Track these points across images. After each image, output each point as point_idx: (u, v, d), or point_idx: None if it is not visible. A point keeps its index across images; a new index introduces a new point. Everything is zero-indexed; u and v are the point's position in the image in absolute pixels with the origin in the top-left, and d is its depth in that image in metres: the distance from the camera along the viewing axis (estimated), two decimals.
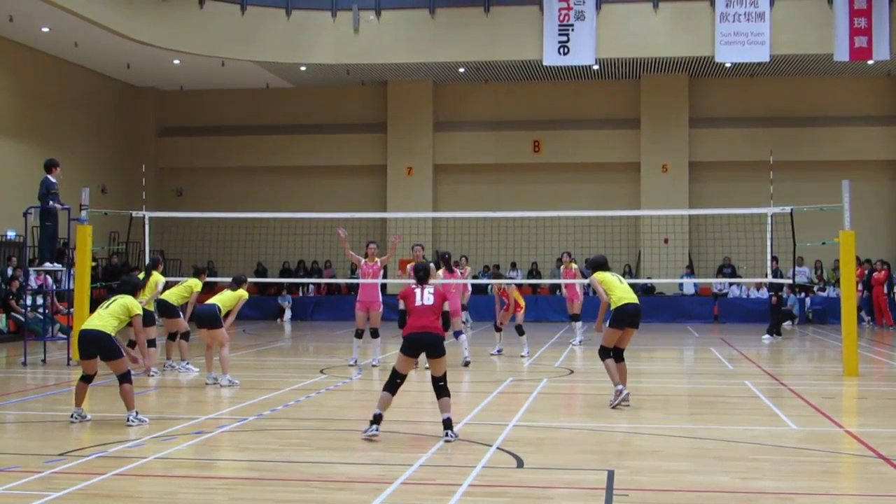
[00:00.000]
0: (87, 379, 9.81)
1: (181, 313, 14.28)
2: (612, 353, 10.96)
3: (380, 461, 8.09)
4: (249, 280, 14.40)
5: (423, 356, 8.97)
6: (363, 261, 15.24)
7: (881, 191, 28.71)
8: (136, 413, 9.53)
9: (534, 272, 28.35)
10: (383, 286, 17.72)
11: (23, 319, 18.75)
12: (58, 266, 16.71)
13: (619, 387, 10.77)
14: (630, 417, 10.37)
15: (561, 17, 25.32)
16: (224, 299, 12.86)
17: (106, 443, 8.57)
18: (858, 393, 12.59)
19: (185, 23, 25.68)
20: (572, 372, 14.70)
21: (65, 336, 17.04)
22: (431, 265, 14.38)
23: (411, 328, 8.86)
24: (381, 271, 15.34)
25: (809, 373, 15.86)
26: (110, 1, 23.35)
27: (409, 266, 15.07)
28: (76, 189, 16.52)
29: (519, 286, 18.40)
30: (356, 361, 15.04)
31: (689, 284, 28.13)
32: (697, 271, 28.26)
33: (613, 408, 10.71)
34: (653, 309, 27.39)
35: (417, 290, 9.07)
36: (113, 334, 9.59)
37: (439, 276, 15.24)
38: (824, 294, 27.14)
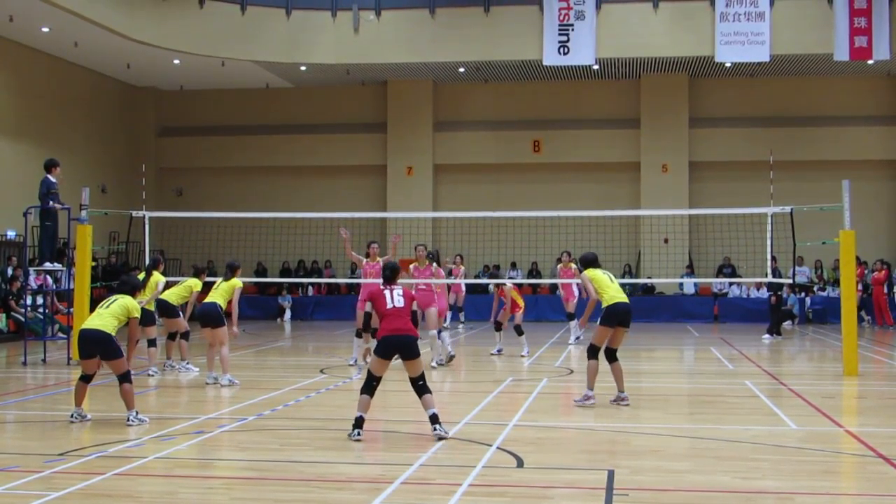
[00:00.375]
0: (86, 379, 9.82)
1: (181, 313, 14.27)
2: (599, 354, 10.98)
3: (380, 461, 8.09)
4: (249, 280, 14.39)
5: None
6: (365, 261, 15.24)
7: (881, 190, 28.71)
8: (136, 413, 9.53)
9: (534, 272, 28.35)
10: None
11: (23, 319, 18.75)
12: (58, 266, 16.71)
13: (591, 392, 10.86)
14: (630, 417, 10.37)
15: (561, 17, 25.31)
16: (220, 293, 12.73)
17: (106, 442, 8.57)
18: (858, 392, 12.59)
19: (185, 23, 25.68)
20: (572, 372, 14.69)
21: (65, 336, 17.05)
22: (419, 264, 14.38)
23: (385, 331, 8.81)
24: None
25: (809, 372, 15.86)
26: (110, 1, 23.34)
27: (411, 266, 15.11)
28: (76, 189, 16.53)
29: (519, 286, 18.39)
30: (356, 361, 15.04)
31: (689, 284, 28.14)
32: (697, 271, 28.27)
33: (577, 405, 10.84)
34: (653, 309, 27.45)
35: (387, 292, 9.01)
36: (113, 334, 9.59)
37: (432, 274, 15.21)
38: (824, 294, 27.14)
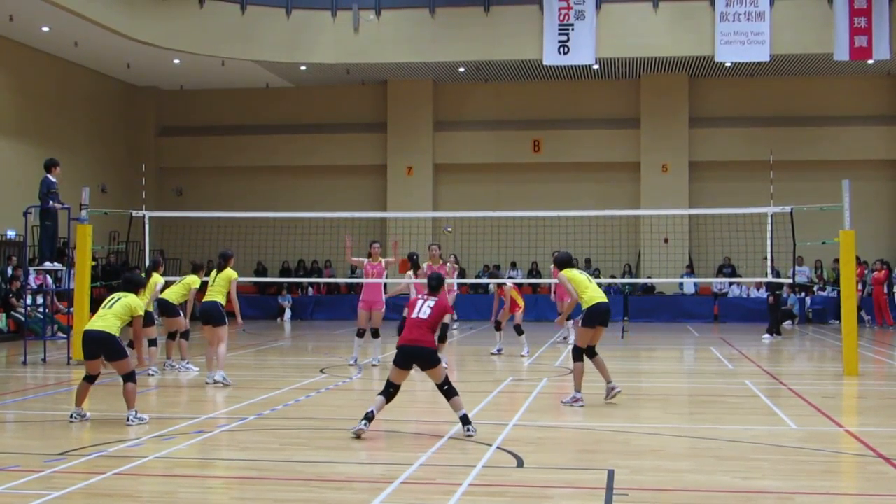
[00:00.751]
0: (90, 379, 9.82)
1: (181, 312, 14.27)
2: (584, 355, 11.01)
3: (380, 461, 8.09)
4: (249, 280, 14.38)
5: None
6: (366, 261, 15.24)
7: (881, 190, 28.71)
8: (136, 412, 9.53)
9: (534, 272, 28.34)
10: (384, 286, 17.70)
11: (23, 319, 18.76)
12: (58, 266, 16.70)
13: (579, 394, 10.88)
14: (630, 417, 10.37)
15: (561, 17, 25.31)
16: (218, 288, 12.65)
17: (106, 442, 8.57)
18: (858, 392, 12.60)
19: (185, 22, 25.68)
20: (572, 371, 14.66)
21: (64, 336, 17.04)
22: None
23: (403, 340, 9.04)
24: (385, 272, 15.32)
25: (809, 372, 15.86)
26: (110, 0, 23.34)
27: (424, 265, 15.10)
28: (76, 188, 16.53)
29: (518, 286, 18.39)
30: (356, 361, 15.04)
31: (689, 284, 28.14)
32: (697, 271, 28.26)
33: (565, 405, 10.86)
34: (653, 309, 27.48)
35: (419, 301, 9.22)
36: (117, 334, 9.59)
37: (409, 276, 15.19)
38: (824, 294, 27.14)
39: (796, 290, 26.55)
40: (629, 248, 28.37)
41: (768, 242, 16.31)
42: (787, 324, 25.88)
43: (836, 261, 26.85)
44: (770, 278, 18.04)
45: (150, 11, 24.83)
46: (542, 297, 27.58)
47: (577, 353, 11.04)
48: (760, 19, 24.86)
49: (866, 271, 26.25)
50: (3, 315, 20.60)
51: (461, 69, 28.23)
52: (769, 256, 16.57)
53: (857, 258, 23.26)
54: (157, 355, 14.23)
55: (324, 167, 30.62)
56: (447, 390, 8.96)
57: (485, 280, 26.35)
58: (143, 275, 14.29)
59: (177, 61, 27.07)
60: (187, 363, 14.26)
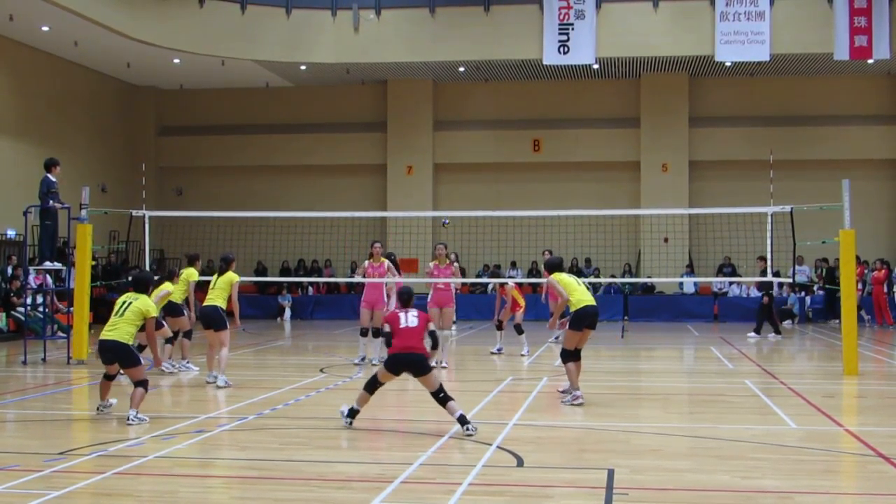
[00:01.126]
0: (110, 377, 10.07)
1: (185, 311, 14.21)
2: (572, 355, 11.01)
3: (380, 460, 8.09)
4: (249, 279, 14.34)
5: None
6: (367, 262, 15.25)
7: (881, 190, 28.71)
8: (137, 412, 9.56)
9: (534, 271, 28.33)
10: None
11: (23, 318, 18.75)
12: (58, 265, 16.69)
13: (578, 392, 10.87)
14: (630, 416, 10.38)
15: (561, 17, 25.31)
16: (219, 291, 12.60)
17: (106, 442, 8.57)
18: (858, 392, 12.59)
19: (185, 22, 25.67)
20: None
21: (64, 335, 17.03)
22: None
23: (396, 348, 9.21)
24: (386, 273, 15.30)
25: (809, 372, 15.86)
26: (110, 0, 23.34)
27: (431, 264, 15.12)
28: (76, 188, 16.53)
29: (519, 285, 18.41)
30: (364, 359, 15.10)
31: (689, 283, 28.13)
32: (697, 270, 28.26)
33: (566, 404, 10.84)
34: (653, 308, 27.47)
35: (402, 315, 9.39)
36: (131, 342, 9.79)
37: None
38: (824, 293, 27.13)
39: (796, 290, 26.55)
40: (629, 248, 28.38)
41: (768, 242, 16.31)
42: (787, 323, 25.89)
43: (824, 260, 27.00)
44: (770, 277, 18.04)
45: (150, 11, 24.83)
46: (541, 297, 27.59)
47: (567, 356, 11.06)
48: (760, 19, 24.86)
49: (866, 271, 26.25)
50: (3, 314, 20.60)
51: (461, 69, 28.23)
52: (769, 256, 16.58)
53: (857, 258, 23.26)
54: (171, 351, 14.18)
55: (324, 167, 30.62)
56: (442, 398, 9.11)
57: (485, 280, 26.34)
58: (186, 267, 14.10)
59: (177, 61, 27.06)
60: (187, 363, 14.25)
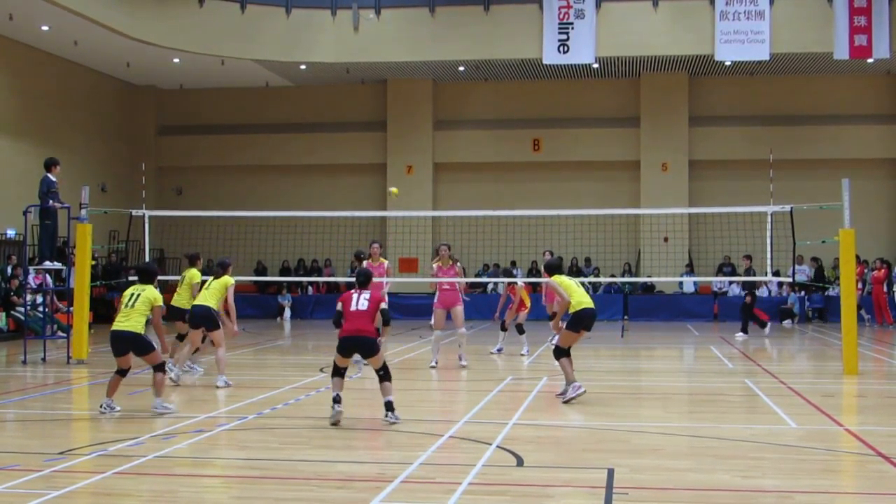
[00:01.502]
0: (122, 373, 10.23)
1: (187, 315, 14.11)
2: (566, 353, 11.10)
3: (379, 459, 8.09)
4: (249, 279, 14.28)
5: None
6: (366, 262, 15.23)
7: (881, 189, 28.71)
8: (163, 401, 9.97)
9: (533, 271, 28.31)
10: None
11: (23, 318, 18.75)
12: (58, 265, 16.68)
13: (577, 384, 10.93)
14: (630, 416, 10.38)
15: (561, 16, 25.30)
16: (212, 293, 12.55)
17: (106, 441, 8.57)
18: (858, 391, 12.59)
19: (184, 21, 25.67)
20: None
21: (64, 335, 17.03)
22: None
23: (345, 331, 9.64)
24: (386, 273, 15.28)
25: (809, 371, 15.85)
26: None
27: (435, 265, 15.15)
28: (76, 187, 16.53)
29: (532, 286, 18.42)
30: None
31: (688, 283, 28.13)
32: (697, 270, 28.26)
33: (566, 403, 10.84)
34: (653, 308, 27.48)
35: (354, 295, 9.74)
36: (143, 332, 10.09)
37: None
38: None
39: (796, 289, 26.55)
40: (629, 247, 28.38)
41: (768, 241, 16.31)
42: (786, 322, 25.90)
43: (814, 259, 26.97)
44: (758, 277, 18.02)
45: (149, 10, 24.83)
46: (541, 296, 27.55)
47: (559, 353, 11.16)
48: (760, 18, 24.86)
49: (866, 270, 26.25)
50: (3, 314, 20.60)
51: (461, 68, 28.22)
52: (768, 256, 16.55)
53: (857, 257, 23.27)
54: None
55: (323, 166, 30.62)
56: (382, 374, 9.59)
57: (498, 279, 26.31)
58: (188, 269, 13.98)
59: (177, 60, 27.06)
60: (191, 364, 14.21)
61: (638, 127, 29.19)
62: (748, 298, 21.62)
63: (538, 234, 26.11)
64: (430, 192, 29.73)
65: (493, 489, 6.94)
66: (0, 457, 7.87)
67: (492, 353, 16.96)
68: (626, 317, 26.94)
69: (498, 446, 8.37)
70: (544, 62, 25.84)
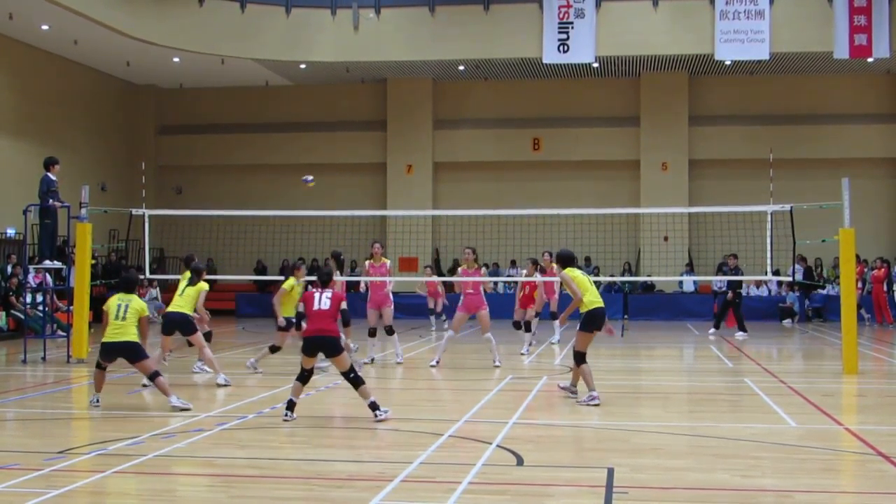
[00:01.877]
0: (102, 367, 10.56)
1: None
2: (585, 356, 10.95)
3: (380, 459, 8.09)
4: (249, 278, 14.26)
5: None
6: (368, 262, 15.24)
7: (881, 188, 28.72)
8: (177, 396, 10.25)
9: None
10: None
11: (22, 317, 18.74)
12: (58, 264, 16.67)
13: (595, 394, 10.78)
14: (630, 415, 10.37)
15: (561, 15, 25.30)
16: (187, 299, 12.53)
17: (105, 440, 8.57)
18: (858, 390, 12.60)
19: (184, 21, 25.67)
20: (572, 369, 14.66)
21: (64, 334, 17.03)
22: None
23: (308, 332, 9.63)
24: (389, 272, 15.26)
25: (809, 370, 15.85)
26: None
27: (459, 268, 15.19)
28: (76, 187, 16.53)
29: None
30: (373, 360, 15.12)
31: (688, 282, 28.13)
32: (697, 269, 28.25)
33: (582, 404, 10.80)
34: (652, 307, 27.48)
35: (316, 295, 9.70)
36: (137, 341, 10.38)
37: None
38: (824, 292, 27.14)
39: (795, 289, 26.54)
40: (629, 247, 28.37)
41: (768, 241, 16.30)
42: (786, 322, 25.90)
43: (803, 259, 26.92)
44: (770, 276, 18.02)
45: (149, 10, 24.83)
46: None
47: (580, 358, 10.94)
48: (760, 17, 24.86)
49: (866, 269, 26.25)
50: (3, 313, 20.59)
51: (461, 67, 28.22)
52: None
53: (857, 256, 23.26)
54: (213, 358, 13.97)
55: (323, 165, 30.54)
56: (353, 378, 9.48)
57: (492, 279, 26.26)
58: (186, 272, 13.86)
59: (176, 59, 27.06)
60: (202, 364, 14.17)
61: (638, 126, 29.19)
62: (730, 295, 21.63)
63: (538, 234, 26.06)
64: (429, 191, 29.73)
65: (494, 488, 6.94)
66: (0, 456, 7.87)
67: (521, 353, 16.77)
68: (626, 316, 26.93)
69: (498, 445, 8.37)
70: (544, 61, 25.84)
